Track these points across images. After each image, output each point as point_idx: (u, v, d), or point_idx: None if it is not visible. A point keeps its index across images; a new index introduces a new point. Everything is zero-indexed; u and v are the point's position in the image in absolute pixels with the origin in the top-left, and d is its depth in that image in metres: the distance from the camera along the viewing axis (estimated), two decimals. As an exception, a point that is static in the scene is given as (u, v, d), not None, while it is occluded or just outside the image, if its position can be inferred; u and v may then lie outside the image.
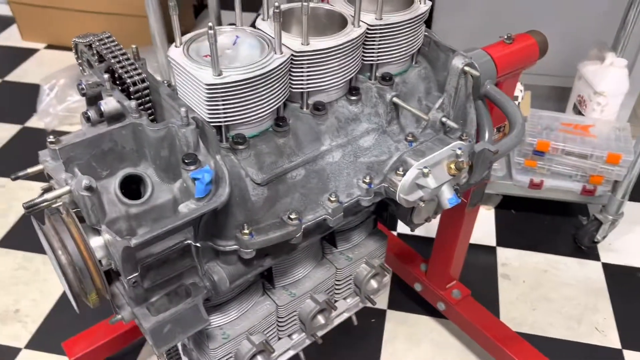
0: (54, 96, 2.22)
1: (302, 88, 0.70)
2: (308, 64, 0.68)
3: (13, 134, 2.21)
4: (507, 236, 1.75)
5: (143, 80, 0.65)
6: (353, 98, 0.74)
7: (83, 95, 0.70)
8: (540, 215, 1.81)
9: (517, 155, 1.64)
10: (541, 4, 1.85)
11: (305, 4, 0.63)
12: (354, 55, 0.71)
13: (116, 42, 0.69)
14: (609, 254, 1.70)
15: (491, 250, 1.71)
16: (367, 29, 0.72)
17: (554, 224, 1.79)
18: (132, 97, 0.65)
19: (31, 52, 2.73)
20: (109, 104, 0.65)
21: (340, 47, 0.68)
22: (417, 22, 0.76)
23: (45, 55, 2.72)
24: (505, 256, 1.70)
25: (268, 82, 0.63)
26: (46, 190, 0.69)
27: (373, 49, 0.75)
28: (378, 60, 0.76)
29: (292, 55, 0.66)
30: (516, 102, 1.70)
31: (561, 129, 1.62)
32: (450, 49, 0.78)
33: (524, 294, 1.55)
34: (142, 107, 0.66)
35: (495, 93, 0.97)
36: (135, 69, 0.66)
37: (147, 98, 0.66)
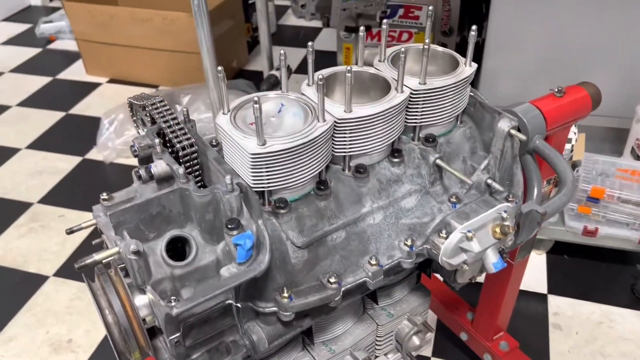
0: (113, 130, 2.32)
1: (344, 152, 0.71)
2: (350, 129, 0.69)
3: (74, 165, 2.33)
4: (559, 283, 1.69)
5: (191, 145, 0.68)
6: (395, 160, 0.75)
7: (135, 156, 0.73)
8: (595, 262, 1.73)
9: (571, 200, 1.59)
10: (597, 43, 1.81)
11: (348, 74, 0.64)
12: (396, 120, 0.72)
13: (167, 107, 0.72)
14: (670, 306, 1.61)
15: (542, 298, 1.65)
16: (411, 93, 0.73)
17: (609, 272, 1.72)
18: (180, 161, 0.68)
19: (94, 86, 2.88)
20: (159, 167, 0.68)
21: (383, 113, 0.69)
22: (461, 86, 0.76)
23: (107, 90, 2.86)
24: (557, 305, 1.64)
25: (310, 149, 0.65)
26: (98, 246, 0.73)
27: (416, 111, 0.75)
28: (421, 122, 0.76)
29: (334, 122, 0.67)
30: (570, 145, 1.66)
31: (617, 175, 1.56)
32: (496, 111, 0.78)
33: (576, 347, 1.49)
34: (189, 170, 0.68)
35: (544, 148, 0.95)
36: (185, 133, 0.69)
37: (195, 161, 0.69)
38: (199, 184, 0.69)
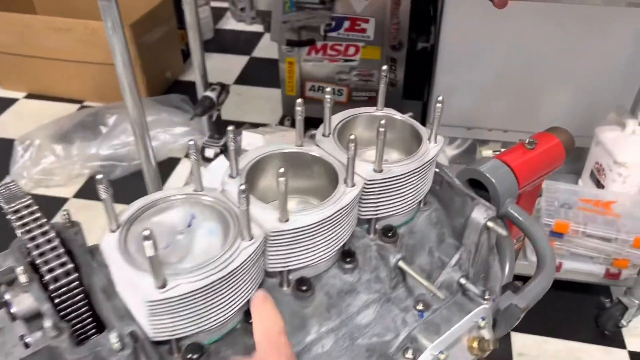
0: (28, 158, 2.06)
1: (281, 267, 0.54)
2: (288, 243, 0.52)
3: (-16, 198, 2.05)
4: (523, 318, 1.58)
5: (68, 274, 0.49)
6: (348, 266, 0.58)
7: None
8: (558, 292, 1.64)
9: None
10: (555, 60, 1.71)
11: (281, 178, 0.47)
12: (346, 221, 0.55)
13: (36, 213, 0.53)
14: (636, 340, 1.54)
15: (504, 337, 1.54)
16: (365, 184, 0.57)
17: (573, 303, 1.63)
18: (52, 296, 0.49)
19: (10, 102, 2.58)
20: (22, 305, 0.50)
21: (330, 218, 0.52)
22: (426, 169, 0.60)
23: (24, 106, 2.57)
24: (522, 343, 1.53)
25: (232, 282, 0.47)
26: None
27: (371, 203, 0.59)
28: (377, 215, 0.60)
29: (266, 237, 0.50)
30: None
31: (580, 206, 1.47)
32: (467, 194, 0.63)
33: (544, 394, 1.39)
34: (67, 310, 0.50)
35: (518, 216, 0.81)
36: (59, 256, 0.50)
37: (76, 293, 0.50)
38: (83, 328, 0.51)
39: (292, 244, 0.52)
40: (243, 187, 0.46)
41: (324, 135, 0.62)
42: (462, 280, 0.63)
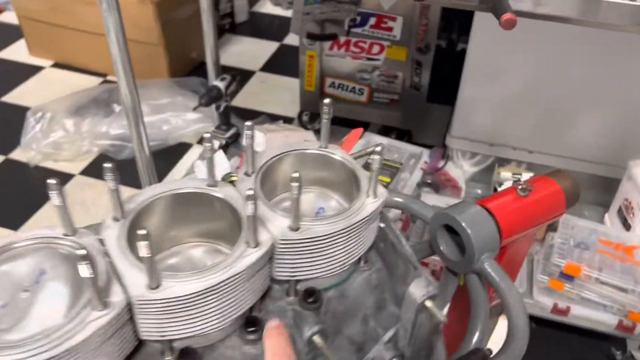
0: (40, 129, 2.05)
1: (152, 335, 0.45)
2: (159, 311, 0.43)
3: (-4, 165, 2.06)
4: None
5: None
6: (250, 337, 0.49)
7: None
8: (564, 334, 1.50)
9: (541, 272, 1.35)
10: (587, 83, 1.54)
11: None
12: (243, 288, 0.46)
13: None
14: (646, 399, 1.39)
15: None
16: (277, 243, 0.47)
17: (580, 348, 1.49)
18: None
19: (36, 69, 2.58)
20: None
21: (216, 288, 0.43)
22: (359, 228, 0.50)
23: (49, 75, 2.56)
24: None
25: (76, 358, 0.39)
26: None
27: (286, 265, 0.49)
28: (295, 277, 0.51)
29: (124, 308, 0.41)
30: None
31: (599, 249, 1.32)
32: (410, 262, 0.52)
33: None
34: None
35: (493, 274, 0.70)
36: None
37: None
38: None
39: (166, 314, 0.43)
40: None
41: (246, 174, 0.53)
42: (395, 362, 0.52)
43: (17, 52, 2.69)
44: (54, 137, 2.03)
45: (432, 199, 1.56)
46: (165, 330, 0.44)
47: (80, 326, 0.39)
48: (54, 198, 0.42)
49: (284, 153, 0.54)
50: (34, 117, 2.07)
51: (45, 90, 2.43)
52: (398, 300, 0.56)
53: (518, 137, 1.70)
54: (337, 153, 0.54)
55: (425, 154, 1.50)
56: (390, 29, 1.84)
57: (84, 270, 0.37)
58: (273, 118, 2.25)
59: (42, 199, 1.89)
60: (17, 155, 2.09)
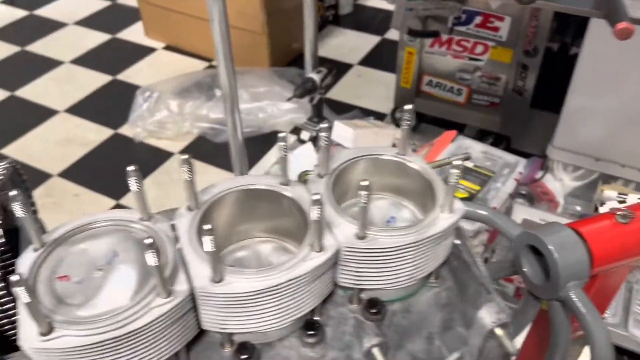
0: (146, 108, 2.17)
1: (213, 326, 0.46)
2: (226, 306, 0.43)
3: (104, 138, 2.21)
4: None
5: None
6: (309, 340, 0.49)
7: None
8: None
9: (639, 301, 1.24)
10: None
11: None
12: (303, 291, 0.45)
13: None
14: None
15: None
16: (342, 250, 0.46)
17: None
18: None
19: (149, 51, 2.74)
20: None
21: (272, 290, 0.43)
22: (429, 244, 0.47)
23: (161, 57, 2.72)
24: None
25: (135, 342, 0.40)
26: None
27: (351, 272, 0.48)
28: (359, 286, 0.49)
29: (194, 294, 0.42)
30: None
31: None
32: (482, 284, 0.49)
33: None
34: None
35: (580, 306, 0.65)
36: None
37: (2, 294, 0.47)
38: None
39: (227, 308, 0.44)
40: (317, 197, 0.38)
41: (319, 175, 0.52)
42: (456, 387, 0.50)
43: (134, 33, 2.87)
44: (159, 117, 2.15)
45: (525, 212, 1.47)
46: (226, 323, 0.45)
47: (144, 310, 0.40)
48: (132, 184, 0.43)
49: (359, 157, 0.53)
50: (142, 96, 2.20)
51: (155, 71, 2.58)
52: (467, 322, 0.53)
53: (628, 154, 1.56)
54: (414, 161, 0.52)
55: (521, 164, 1.42)
56: (496, 29, 1.75)
57: (150, 259, 0.38)
58: (365, 113, 2.24)
59: (144, 174, 2.00)
60: (124, 130, 2.24)
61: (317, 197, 0.41)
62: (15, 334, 0.49)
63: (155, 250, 0.38)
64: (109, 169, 2.09)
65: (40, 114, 2.33)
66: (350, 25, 2.94)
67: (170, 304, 0.41)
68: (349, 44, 2.79)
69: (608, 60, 1.46)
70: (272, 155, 2.08)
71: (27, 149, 2.15)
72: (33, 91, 2.47)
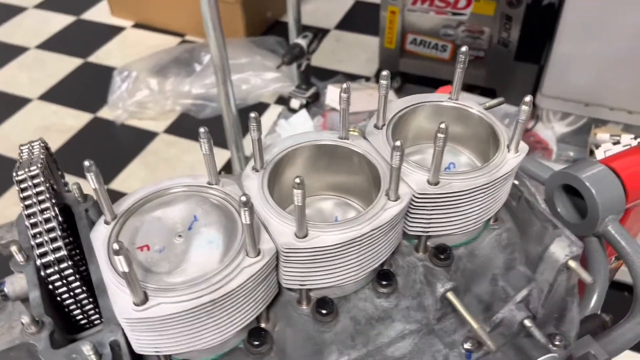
0: (125, 89, 2.11)
1: (293, 284, 0.45)
2: (304, 260, 0.43)
3: (84, 123, 2.14)
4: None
5: (60, 261, 0.44)
6: (383, 290, 0.49)
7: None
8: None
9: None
10: None
11: (298, 191, 0.38)
12: (383, 240, 0.45)
13: (40, 186, 0.48)
14: None
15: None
16: (413, 198, 0.46)
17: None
18: (43, 282, 0.45)
19: (118, 30, 2.65)
20: (14, 285, 0.46)
21: (358, 240, 0.43)
22: (497, 185, 0.48)
23: (130, 35, 2.63)
24: None
25: (229, 303, 0.40)
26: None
27: (421, 219, 0.48)
28: (428, 233, 0.49)
29: (278, 253, 0.42)
30: None
31: None
32: (549, 220, 0.50)
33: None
34: (64, 297, 0.45)
35: (619, 238, 0.67)
36: (54, 239, 0.45)
37: (70, 280, 0.45)
38: (88, 317, 0.46)
39: (310, 263, 0.43)
40: (398, 143, 0.37)
41: (376, 127, 0.51)
42: (527, 322, 0.51)
43: (100, 13, 2.76)
44: (139, 97, 2.09)
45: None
46: (306, 279, 0.45)
47: (236, 271, 0.39)
48: (204, 146, 0.42)
49: (416, 104, 0.53)
50: (120, 77, 2.13)
51: (127, 51, 2.50)
52: (529, 261, 0.54)
53: (617, 97, 1.59)
54: (473, 106, 0.52)
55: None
56: (478, -19, 1.75)
57: (246, 217, 0.37)
58: (349, 77, 2.22)
59: (130, 156, 1.97)
60: (104, 113, 2.17)
61: (398, 143, 0.41)
62: (82, 315, 0.48)
63: (249, 208, 0.37)
64: (92, 154, 2.03)
65: (13, 103, 2.25)
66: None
67: (260, 262, 0.40)
68: (323, 9, 2.75)
69: (593, 5, 1.48)
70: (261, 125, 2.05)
71: (5, 140, 2.08)
72: (1, 80, 2.37)
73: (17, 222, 0.49)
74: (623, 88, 1.58)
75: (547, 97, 1.67)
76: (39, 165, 0.49)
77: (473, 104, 0.52)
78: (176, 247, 0.42)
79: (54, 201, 0.47)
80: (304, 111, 1.55)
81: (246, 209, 0.37)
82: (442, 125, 0.42)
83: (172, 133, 2.10)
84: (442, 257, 0.50)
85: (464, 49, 0.50)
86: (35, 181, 0.48)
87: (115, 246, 0.34)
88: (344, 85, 0.47)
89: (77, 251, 0.48)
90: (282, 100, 2.13)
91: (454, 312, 0.52)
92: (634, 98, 1.58)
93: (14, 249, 0.45)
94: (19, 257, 0.46)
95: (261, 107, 2.14)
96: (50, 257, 0.44)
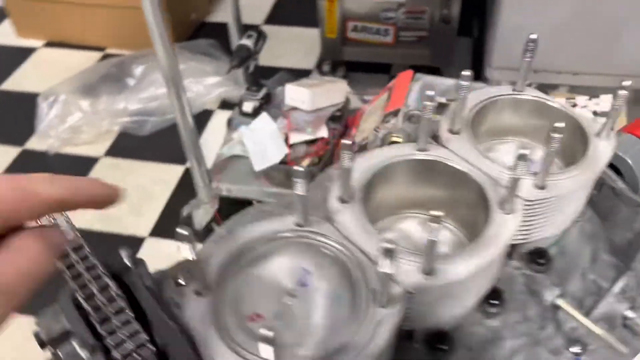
0: (55, 115, 1.93)
1: (415, 323, 0.40)
2: (433, 297, 0.38)
3: (13, 157, 1.95)
4: None
5: (139, 347, 0.36)
6: (492, 310, 0.45)
7: (41, 346, 0.41)
8: None
9: None
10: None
11: (435, 225, 0.33)
12: (500, 260, 0.41)
13: (91, 263, 0.39)
14: None
15: None
16: (525, 204, 0.42)
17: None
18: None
19: (28, 52, 2.42)
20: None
21: (489, 264, 0.38)
22: (596, 178, 0.45)
23: (43, 56, 2.41)
24: None
25: None
26: None
27: (522, 226, 0.44)
28: (527, 240, 0.46)
29: (404, 297, 0.36)
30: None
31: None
32: (638, 204, 0.47)
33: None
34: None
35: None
36: (127, 322, 0.37)
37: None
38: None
39: (438, 300, 0.38)
40: (387, 245, 0.31)
41: (451, 131, 0.47)
42: (630, 314, 0.49)
43: (4, 35, 2.51)
44: (72, 121, 1.92)
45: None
46: (430, 317, 0.40)
47: (377, 328, 0.33)
48: (299, 187, 0.36)
49: (486, 100, 0.48)
50: (46, 102, 1.95)
51: (44, 72, 2.29)
52: (614, 249, 0.52)
53: (563, 60, 1.64)
54: (552, 100, 0.49)
55: (488, 87, 1.44)
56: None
57: (386, 266, 0.32)
58: (291, 72, 2.16)
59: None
60: (33, 144, 1.98)
61: (524, 151, 0.36)
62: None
63: (392, 255, 0.31)
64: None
65: None
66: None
67: (395, 310, 0.34)
68: (248, 5, 2.64)
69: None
70: (209, 135, 1.95)
71: None
72: None
73: (62, 305, 0.40)
74: (568, 52, 1.63)
75: (497, 69, 1.70)
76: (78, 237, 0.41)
77: (542, 94, 0.49)
78: (292, 311, 0.35)
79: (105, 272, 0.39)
80: (264, 114, 1.47)
81: (390, 257, 0.31)
82: (558, 125, 0.38)
83: (113, 155, 1.95)
84: (541, 262, 0.47)
85: (533, 36, 0.46)
86: (80, 254, 0.39)
87: (266, 332, 0.27)
88: (428, 93, 0.42)
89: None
90: (227, 105, 2.04)
91: (553, 317, 0.49)
92: (577, 59, 1.64)
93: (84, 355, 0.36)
94: (84, 354, 0.37)
95: (206, 115, 2.04)
96: (129, 345, 0.36)
